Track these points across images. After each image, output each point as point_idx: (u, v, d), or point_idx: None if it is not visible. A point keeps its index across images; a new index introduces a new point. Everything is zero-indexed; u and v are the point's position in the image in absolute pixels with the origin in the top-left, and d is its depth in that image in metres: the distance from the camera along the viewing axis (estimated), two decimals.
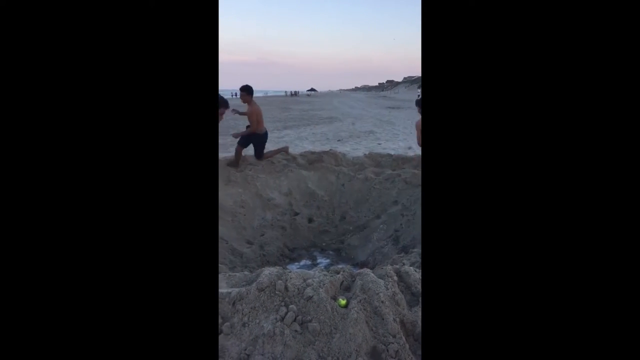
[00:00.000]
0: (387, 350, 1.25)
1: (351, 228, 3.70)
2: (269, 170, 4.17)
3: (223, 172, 3.85)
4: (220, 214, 3.42)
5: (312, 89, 75.39)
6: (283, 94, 60.77)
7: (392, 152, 5.40)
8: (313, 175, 4.20)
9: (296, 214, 3.85)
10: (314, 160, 4.43)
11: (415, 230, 3.02)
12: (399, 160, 4.33)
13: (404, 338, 1.30)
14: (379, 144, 7.78)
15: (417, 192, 3.45)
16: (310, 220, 3.82)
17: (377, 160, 4.51)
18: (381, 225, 3.45)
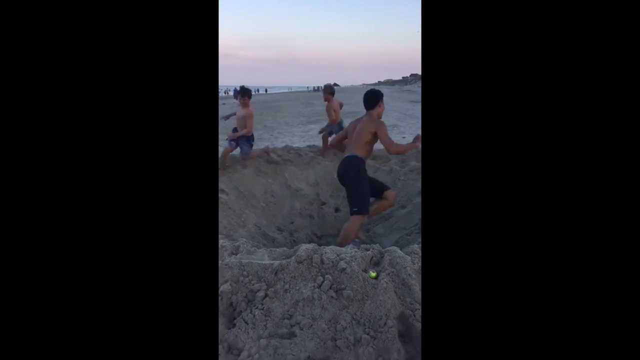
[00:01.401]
0: (414, 316, 1.39)
1: (376, 217, 3.82)
2: (296, 162, 4.35)
3: (253, 163, 4.07)
4: (252, 202, 3.63)
5: (335, 84, 74.86)
6: (305, 89, 60.72)
7: None
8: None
9: (323, 203, 4.01)
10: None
11: None
12: None
13: None
14: (404, 137, 7.82)
15: None
16: (337, 210, 3.97)
17: None
18: (406, 215, 3.56)
